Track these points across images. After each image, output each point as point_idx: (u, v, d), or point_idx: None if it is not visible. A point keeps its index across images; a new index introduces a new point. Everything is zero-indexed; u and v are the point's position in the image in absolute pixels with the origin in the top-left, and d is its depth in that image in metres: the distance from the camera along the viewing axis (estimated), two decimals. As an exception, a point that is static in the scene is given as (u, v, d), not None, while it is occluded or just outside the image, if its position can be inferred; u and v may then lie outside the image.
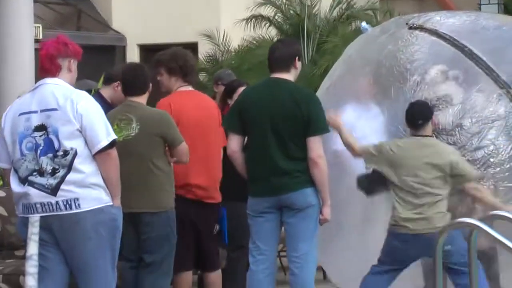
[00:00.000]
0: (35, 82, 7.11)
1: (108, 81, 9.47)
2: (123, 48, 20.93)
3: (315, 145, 7.74)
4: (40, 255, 6.68)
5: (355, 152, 8.45)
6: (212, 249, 8.75)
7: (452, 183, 8.17)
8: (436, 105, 8.46)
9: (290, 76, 7.94)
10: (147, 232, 8.00)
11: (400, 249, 8.11)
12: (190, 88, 8.76)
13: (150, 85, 8.25)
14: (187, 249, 8.51)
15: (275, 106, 7.78)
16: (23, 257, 7.19)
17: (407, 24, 9.17)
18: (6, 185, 8.45)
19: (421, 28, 9.04)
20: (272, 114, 7.75)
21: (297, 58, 8.00)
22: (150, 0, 20.48)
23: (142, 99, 8.19)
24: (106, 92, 9.31)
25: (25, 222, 6.71)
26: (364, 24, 10.44)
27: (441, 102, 8.51)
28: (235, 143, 7.93)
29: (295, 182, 7.71)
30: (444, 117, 8.46)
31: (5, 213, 8.73)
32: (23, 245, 6.89)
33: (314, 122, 7.74)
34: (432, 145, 8.29)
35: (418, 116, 8.23)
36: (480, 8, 20.52)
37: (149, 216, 7.97)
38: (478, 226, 6.76)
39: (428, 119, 8.24)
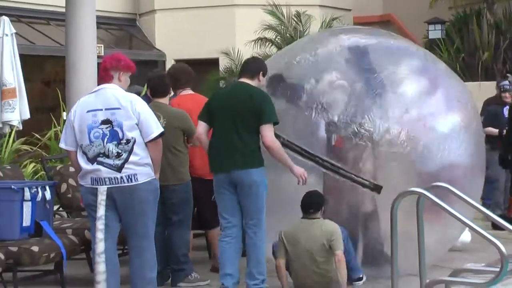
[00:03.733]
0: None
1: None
2: (164, 62, 20.74)
3: (267, 132, 7.24)
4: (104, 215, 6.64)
5: None
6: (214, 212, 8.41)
7: None
8: None
9: (252, 83, 7.53)
10: (172, 198, 7.89)
11: None
12: (190, 91, 8.58)
13: (171, 89, 8.14)
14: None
15: (234, 101, 7.41)
16: (86, 216, 7.17)
17: None
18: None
19: None
20: (231, 107, 7.39)
21: (261, 73, 7.58)
22: (184, 26, 20.33)
23: (165, 100, 8.06)
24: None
25: (91, 191, 6.66)
26: None
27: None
28: (201, 128, 7.55)
29: (246, 162, 7.28)
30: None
31: (74, 184, 8.70)
32: (86, 208, 6.86)
33: (265, 113, 7.30)
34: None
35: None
36: (428, 32, 20.24)
37: (172, 187, 7.86)
38: (424, 194, 6.67)
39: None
